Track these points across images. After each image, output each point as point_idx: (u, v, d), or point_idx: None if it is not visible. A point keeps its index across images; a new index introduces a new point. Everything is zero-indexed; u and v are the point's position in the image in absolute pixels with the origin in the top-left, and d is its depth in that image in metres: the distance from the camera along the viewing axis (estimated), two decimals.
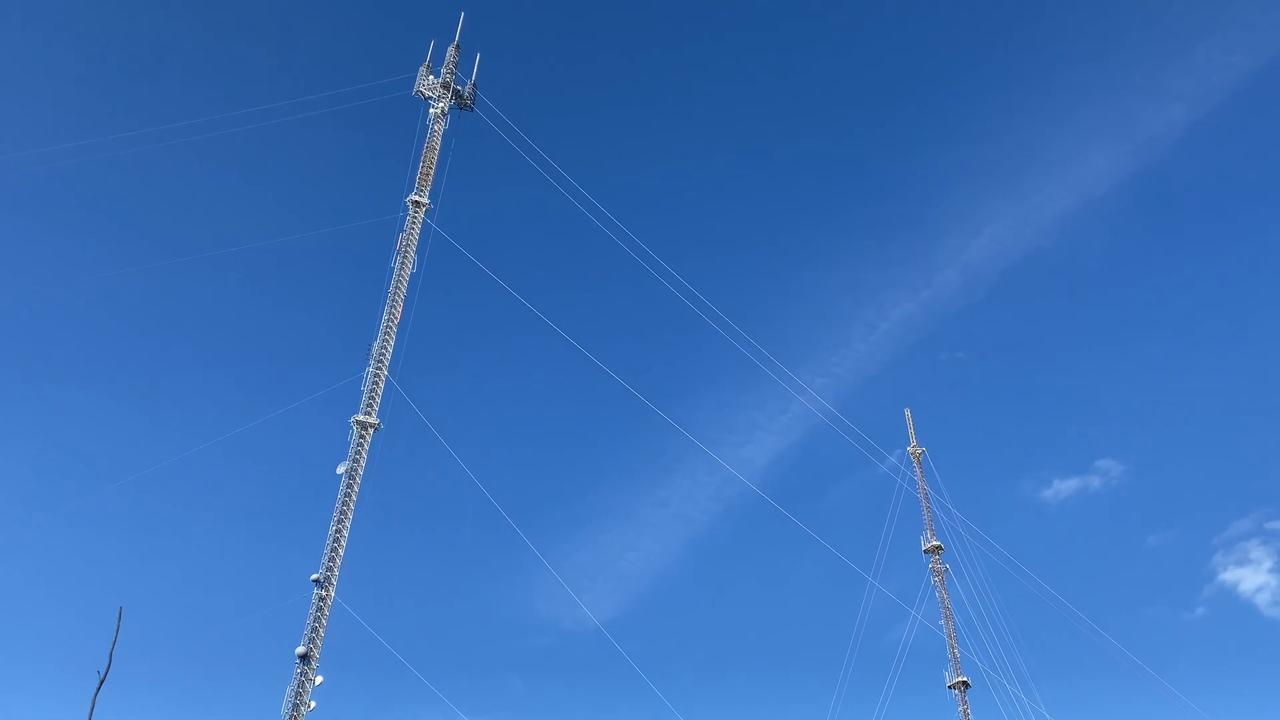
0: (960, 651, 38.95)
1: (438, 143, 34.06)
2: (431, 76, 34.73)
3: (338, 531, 29.04)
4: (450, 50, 35.50)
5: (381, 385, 30.63)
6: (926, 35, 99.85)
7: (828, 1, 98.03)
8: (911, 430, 45.50)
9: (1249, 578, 72.55)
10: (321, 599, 28.49)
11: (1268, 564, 72.30)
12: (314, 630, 28.20)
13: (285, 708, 27.54)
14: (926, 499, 42.65)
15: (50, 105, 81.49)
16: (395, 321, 31.36)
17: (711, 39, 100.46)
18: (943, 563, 41.53)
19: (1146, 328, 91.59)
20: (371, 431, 30.23)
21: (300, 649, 28.05)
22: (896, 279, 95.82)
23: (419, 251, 32.56)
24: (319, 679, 28.16)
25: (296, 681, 27.63)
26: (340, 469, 29.78)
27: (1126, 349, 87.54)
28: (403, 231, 32.43)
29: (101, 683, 4.59)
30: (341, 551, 29.07)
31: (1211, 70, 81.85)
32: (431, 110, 34.44)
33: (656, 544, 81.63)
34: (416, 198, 32.78)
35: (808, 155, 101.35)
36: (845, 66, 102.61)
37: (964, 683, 38.94)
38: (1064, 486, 78.28)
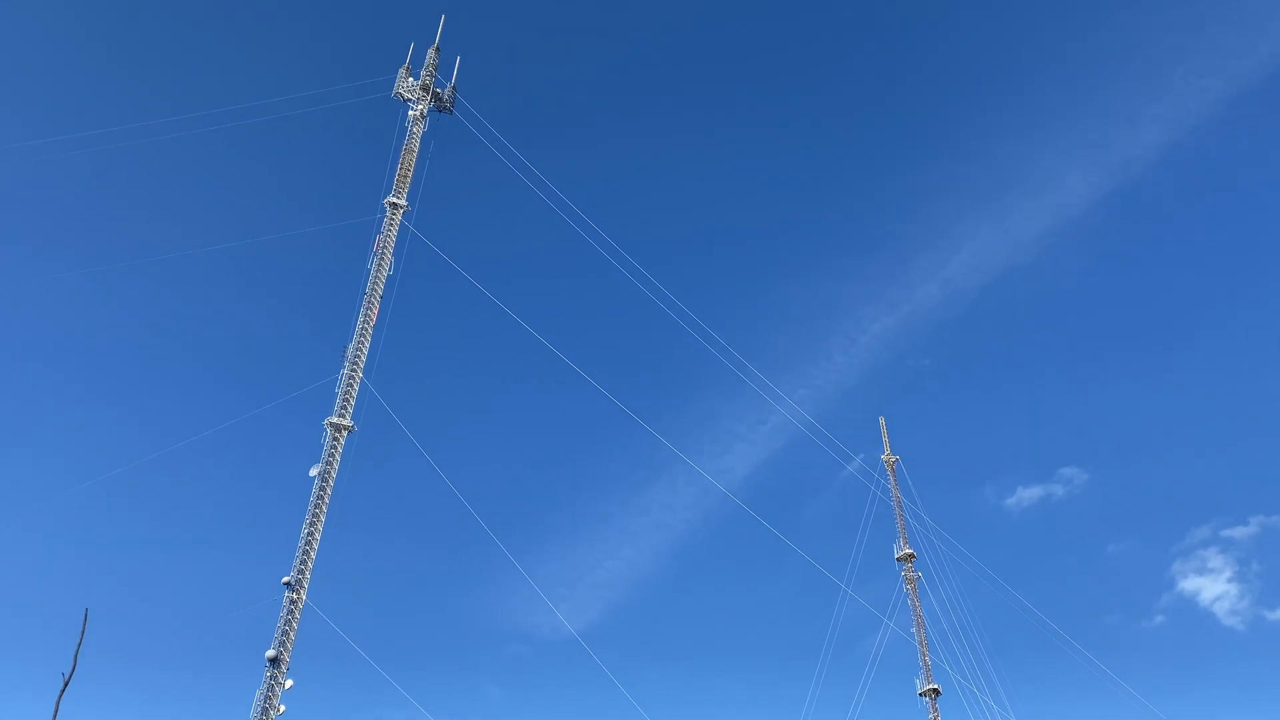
0: (931, 659, 39.61)
1: (416, 145, 34.06)
2: (411, 79, 34.75)
3: (310, 534, 28.90)
4: (430, 52, 35.47)
5: (356, 388, 30.55)
6: (910, 55, 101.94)
7: (812, 18, 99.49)
8: (885, 439, 46.10)
9: (1208, 587, 74.66)
10: (293, 602, 28.34)
11: (1226, 573, 73.99)
12: (284, 633, 28.03)
13: (254, 712, 27.39)
14: (900, 507, 43.34)
15: (20, 99, 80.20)
16: (371, 323, 31.30)
17: (697, 52, 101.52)
18: (915, 570, 42.29)
19: (1116, 342, 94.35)
20: (345, 434, 30.11)
21: (270, 652, 27.88)
22: (876, 293, 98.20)
23: (396, 253, 32.56)
24: (289, 682, 28.02)
25: (266, 685, 27.47)
26: (313, 471, 29.66)
27: (1097, 362, 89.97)
28: (379, 233, 32.42)
29: (65, 686, 4.66)
30: (314, 554, 28.91)
31: (1187, 95, 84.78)
32: (410, 112, 34.44)
33: (635, 552, 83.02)
34: (394, 199, 32.75)
35: (791, 169, 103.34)
36: (831, 84, 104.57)
37: (935, 690, 39.50)
38: (1027, 494, 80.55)
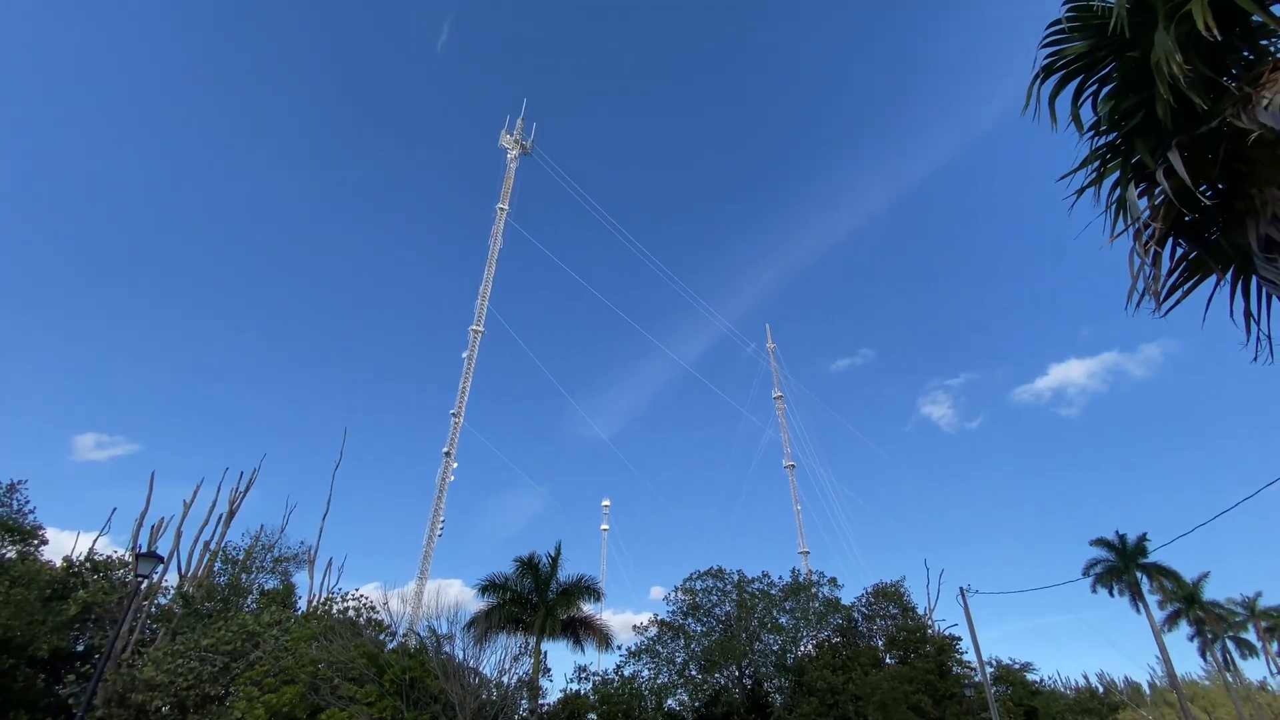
0: (792, 448, 66.88)
1: (511, 172, 57.69)
2: (508, 135, 58.19)
3: (464, 386, 52.43)
4: (519, 121, 58.90)
5: (485, 308, 54.12)
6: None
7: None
8: (769, 334, 77.31)
9: (936, 410, 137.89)
10: (456, 422, 51.69)
11: (946, 403, 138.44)
12: (453, 438, 51.35)
13: (438, 477, 50.58)
14: (776, 372, 72.31)
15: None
16: (491, 274, 54.81)
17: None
18: (783, 404, 68.87)
19: (888, 287, 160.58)
20: (479, 335, 53.67)
21: (445, 449, 51.14)
22: (766, 259, 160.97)
23: (504, 235, 56.30)
24: (454, 464, 51.26)
25: (444, 464, 50.71)
26: (464, 354, 53.16)
27: (884, 292, 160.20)
28: (494, 224, 56.05)
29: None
30: (466, 397, 52.45)
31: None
32: (508, 154, 57.90)
33: (643, 391, 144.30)
34: (501, 205, 56.29)
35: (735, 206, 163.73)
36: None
37: (792, 465, 64.43)
38: (842, 363, 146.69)
